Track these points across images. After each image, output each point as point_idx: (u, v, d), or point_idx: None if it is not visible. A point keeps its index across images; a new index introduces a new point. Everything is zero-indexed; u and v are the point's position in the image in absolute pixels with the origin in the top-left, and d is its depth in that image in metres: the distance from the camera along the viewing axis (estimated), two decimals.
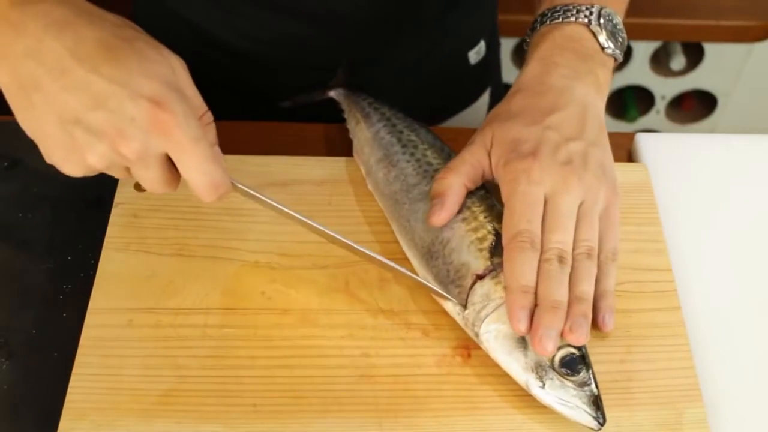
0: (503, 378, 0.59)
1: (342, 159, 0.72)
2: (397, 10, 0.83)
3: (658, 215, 0.69)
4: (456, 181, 0.62)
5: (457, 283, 0.60)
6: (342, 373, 0.59)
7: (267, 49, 0.85)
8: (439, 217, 0.61)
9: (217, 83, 0.91)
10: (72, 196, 0.71)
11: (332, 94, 0.75)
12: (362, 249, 0.60)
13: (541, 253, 0.58)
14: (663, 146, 0.76)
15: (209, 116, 0.55)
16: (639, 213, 0.70)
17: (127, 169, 0.55)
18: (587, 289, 0.58)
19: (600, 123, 0.63)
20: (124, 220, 0.67)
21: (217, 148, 0.55)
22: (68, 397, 0.58)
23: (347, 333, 0.61)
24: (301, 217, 0.59)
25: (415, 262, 0.63)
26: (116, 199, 0.68)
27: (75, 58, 0.51)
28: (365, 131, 0.70)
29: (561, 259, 0.57)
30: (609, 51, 0.65)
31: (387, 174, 0.66)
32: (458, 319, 0.60)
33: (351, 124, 0.72)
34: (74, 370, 0.59)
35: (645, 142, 0.76)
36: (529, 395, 0.58)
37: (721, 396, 0.60)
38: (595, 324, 0.59)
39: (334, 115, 0.75)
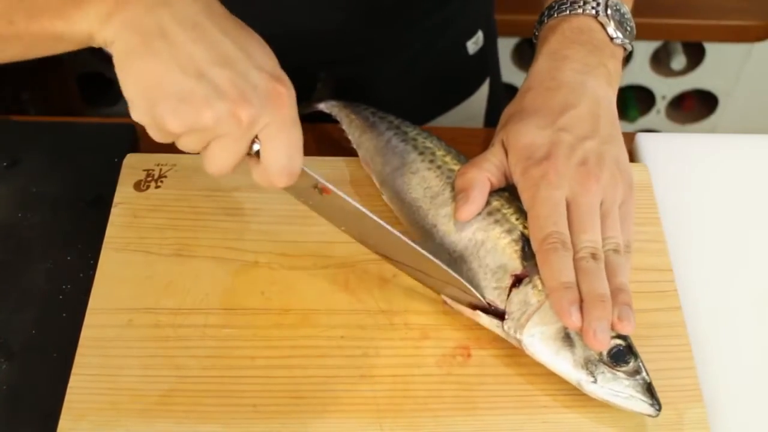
0: (503, 378, 0.59)
1: (342, 159, 0.72)
2: (385, 10, 0.83)
3: (658, 215, 0.69)
4: (479, 175, 0.62)
5: (494, 285, 0.60)
6: (342, 373, 0.59)
7: None
8: (466, 211, 0.61)
9: None
10: (72, 196, 0.71)
11: (322, 107, 0.75)
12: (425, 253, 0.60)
13: (574, 253, 0.58)
14: (663, 146, 0.75)
15: None
16: (639, 213, 0.69)
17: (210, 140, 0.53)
18: (624, 280, 0.58)
19: (613, 117, 0.63)
20: (124, 219, 0.67)
21: None
22: (68, 397, 0.57)
23: (347, 333, 0.61)
24: (373, 217, 0.59)
25: (446, 267, 0.63)
26: (116, 199, 0.68)
27: (207, 15, 0.51)
28: (374, 141, 0.69)
29: (594, 257, 0.58)
30: (618, 41, 0.66)
31: (407, 182, 0.66)
32: (498, 331, 0.60)
33: (354, 135, 0.71)
34: (74, 370, 0.59)
35: (645, 142, 0.76)
36: (528, 395, 0.58)
37: (721, 396, 0.60)
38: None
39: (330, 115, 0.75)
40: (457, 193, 0.62)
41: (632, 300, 0.58)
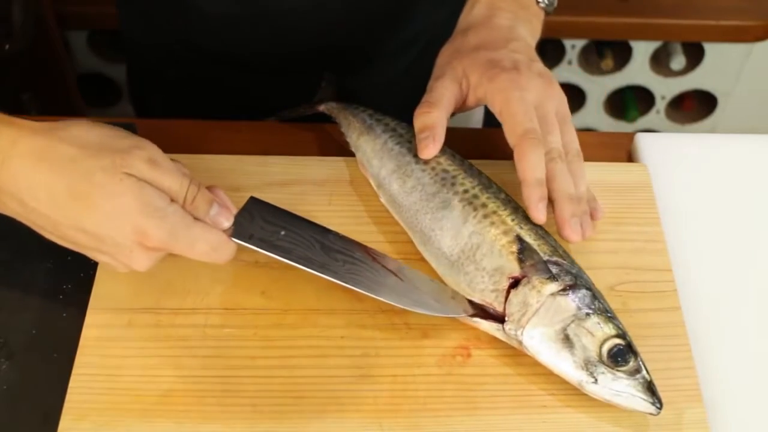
0: (503, 378, 0.60)
1: (342, 159, 0.72)
2: (387, 4, 0.84)
3: (658, 215, 0.69)
4: (442, 114, 0.65)
5: (492, 287, 0.60)
6: (342, 373, 0.59)
7: (258, 56, 0.86)
8: (431, 150, 0.64)
9: (215, 91, 0.92)
10: None
11: (323, 108, 0.75)
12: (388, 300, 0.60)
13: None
14: (663, 146, 0.75)
15: (192, 189, 0.56)
16: (639, 213, 0.70)
17: None
18: (584, 189, 0.63)
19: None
20: None
21: (207, 199, 0.57)
22: (68, 397, 0.58)
23: (347, 333, 0.61)
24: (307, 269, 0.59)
25: (444, 271, 0.63)
26: None
27: (59, 215, 0.54)
28: (371, 143, 0.69)
29: (561, 158, 0.62)
30: (543, 5, 0.72)
31: (402, 185, 0.66)
32: (498, 334, 0.60)
33: (352, 138, 0.71)
34: (74, 370, 0.59)
35: (645, 142, 0.76)
36: (528, 395, 0.58)
37: (721, 396, 0.60)
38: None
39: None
40: (422, 132, 0.64)
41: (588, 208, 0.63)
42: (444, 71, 0.67)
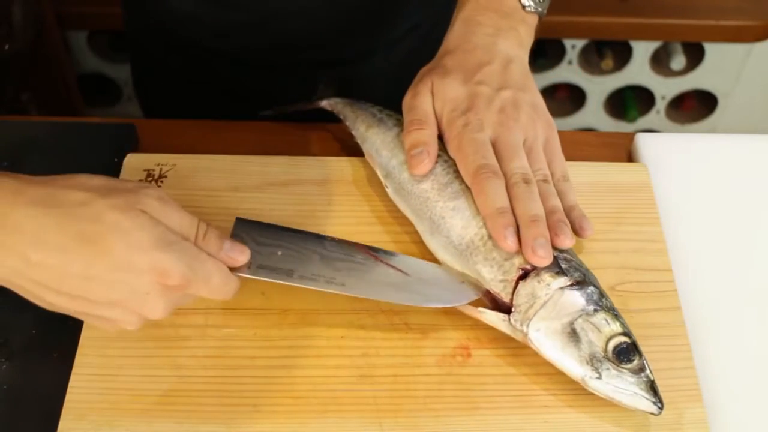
0: (503, 378, 0.60)
1: (342, 159, 0.72)
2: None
3: (658, 215, 0.69)
4: (434, 132, 0.65)
5: (501, 277, 0.60)
6: (342, 373, 0.60)
7: (259, 51, 0.86)
8: (426, 165, 0.64)
9: (216, 88, 0.92)
10: None
11: (324, 104, 0.75)
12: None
13: (506, 180, 0.62)
14: (663, 146, 0.76)
15: (202, 226, 0.55)
16: (639, 213, 0.70)
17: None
18: (556, 203, 0.62)
19: (524, 71, 0.68)
20: None
21: (216, 241, 0.56)
22: (68, 397, 0.58)
23: (347, 333, 0.61)
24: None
25: (452, 260, 0.63)
26: None
27: (67, 263, 0.51)
28: (381, 135, 0.69)
29: (526, 181, 0.61)
30: (530, 9, 0.70)
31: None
32: (503, 325, 0.60)
33: (359, 130, 0.71)
34: (74, 370, 0.59)
35: (645, 142, 0.76)
36: (529, 395, 0.58)
37: (721, 396, 0.60)
38: (576, 234, 0.62)
39: (332, 114, 0.75)
40: (414, 148, 0.64)
41: (566, 219, 0.61)
42: (420, 88, 0.66)
